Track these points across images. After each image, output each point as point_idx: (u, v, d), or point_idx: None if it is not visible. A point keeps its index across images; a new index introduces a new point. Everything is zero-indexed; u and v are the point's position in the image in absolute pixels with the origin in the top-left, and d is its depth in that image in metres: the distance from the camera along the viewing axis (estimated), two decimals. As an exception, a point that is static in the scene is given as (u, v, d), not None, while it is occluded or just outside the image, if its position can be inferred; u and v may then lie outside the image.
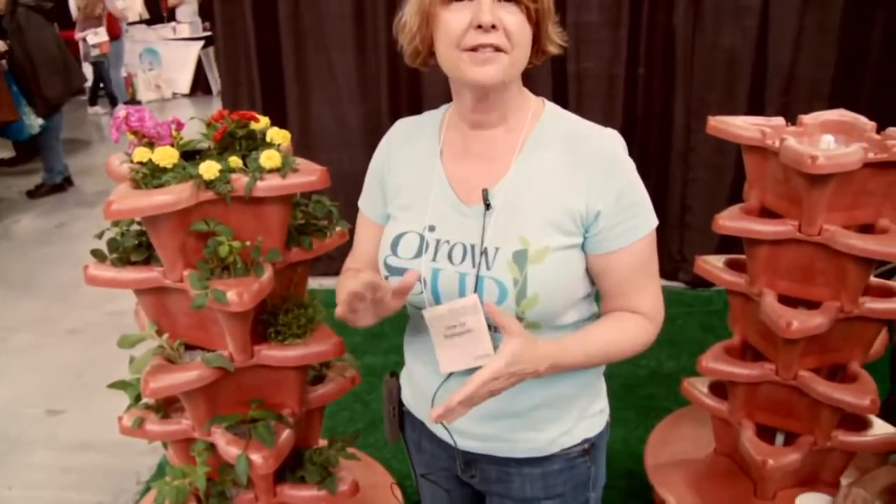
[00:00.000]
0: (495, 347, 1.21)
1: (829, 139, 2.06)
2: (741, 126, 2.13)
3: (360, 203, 1.45)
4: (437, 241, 1.26)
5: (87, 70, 9.91)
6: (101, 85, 9.70)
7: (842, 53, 3.95)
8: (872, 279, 2.17)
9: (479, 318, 1.21)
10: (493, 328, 1.22)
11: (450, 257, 1.24)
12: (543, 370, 1.18)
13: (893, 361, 2.44)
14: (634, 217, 1.23)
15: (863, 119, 2.13)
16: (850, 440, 2.24)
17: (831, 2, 3.88)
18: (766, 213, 2.18)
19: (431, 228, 1.27)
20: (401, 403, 1.48)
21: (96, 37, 9.19)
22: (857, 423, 2.26)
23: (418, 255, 1.27)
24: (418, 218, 1.29)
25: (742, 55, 3.99)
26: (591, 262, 1.25)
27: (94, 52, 9.29)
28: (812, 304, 2.12)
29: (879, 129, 2.09)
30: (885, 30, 3.91)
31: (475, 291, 1.21)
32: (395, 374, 1.50)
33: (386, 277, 1.30)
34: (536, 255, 1.19)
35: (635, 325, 1.28)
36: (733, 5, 3.92)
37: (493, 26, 1.13)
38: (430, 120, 1.37)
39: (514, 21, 1.15)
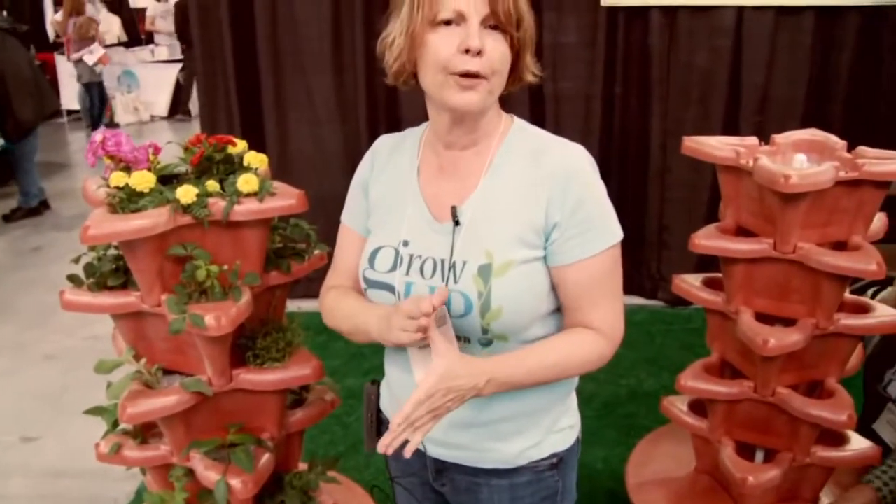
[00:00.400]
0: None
1: (801, 158, 2.09)
2: (715, 146, 2.16)
3: (344, 217, 1.47)
4: (411, 256, 1.30)
5: (72, 94, 9.89)
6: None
7: (813, 73, 4.02)
8: (847, 296, 2.20)
9: (447, 328, 1.24)
10: (463, 339, 1.27)
11: (421, 271, 1.29)
12: (484, 386, 1.19)
13: (867, 376, 2.46)
14: (591, 230, 1.25)
15: (834, 138, 2.16)
16: (828, 455, 2.25)
17: (802, 22, 3.95)
18: (741, 231, 2.20)
19: (406, 243, 1.31)
20: (379, 410, 1.50)
21: (93, 55, 9.17)
22: (836, 438, 2.28)
23: (393, 268, 1.31)
24: (394, 233, 1.33)
25: (716, 75, 4.05)
26: (551, 273, 1.27)
27: (98, 69, 9.25)
28: (788, 322, 2.14)
29: (850, 148, 2.13)
30: (854, 50, 3.98)
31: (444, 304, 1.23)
32: (376, 382, 1.52)
33: (364, 290, 1.36)
34: (500, 269, 1.23)
35: (584, 341, 1.29)
36: (707, 26, 3.98)
37: (479, 52, 1.17)
38: (410, 137, 1.41)
39: (498, 49, 1.19)
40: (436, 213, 1.31)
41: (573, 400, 1.46)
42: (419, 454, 1.40)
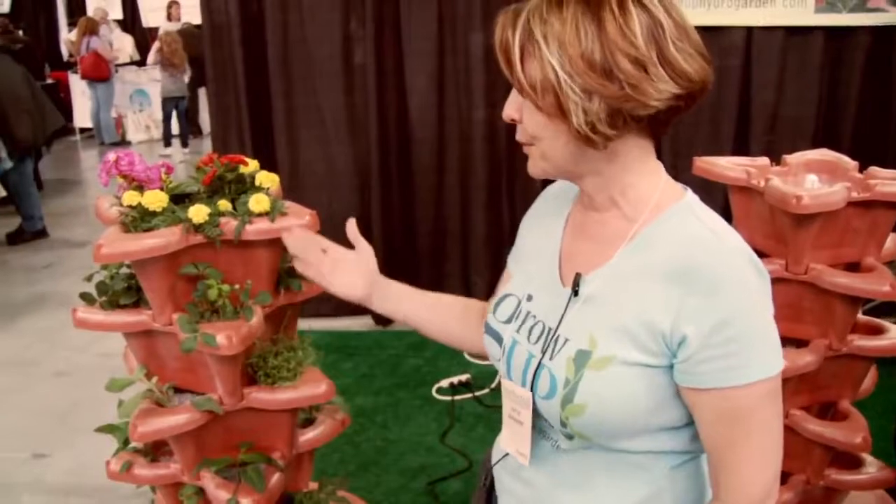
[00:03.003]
0: (551, 443, 1.15)
1: (813, 179, 2.10)
2: (726, 167, 2.16)
3: (508, 259, 1.34)
4: (528, 314, 1.17)
5: (84, 112, 10.00)
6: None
7: (823, 93, 4.03)
8: (860, 317, 2.19)
9: (528, 413, 1.13)
10: (546, 421, 1.13)
11: (529, 333, 1.15)
12: None
13: None
14: (736, 356, 0.99)
15: (845, 158, 2.16)
16: (843, 479, 2.23)
17: (811, 42, 3.96)
18: (753, 252, 2.19)
19: (529, 298, 1.18)
20: (490, 471, 1.34)
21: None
22: (850, 461, 2.26)
23: (510, 320, 1.19)
24: (525, 284, 1.21)
25: (726, 95, 4.05)
26: (682, 393, 1.05)
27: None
28: (801, 343, 2.13)
29: (862, 169, 2.13)
30: (864, 69, 3.99)
31: (533, 378, 1.11)
32: None
33: (483, 334, 1.24)
34: (598, 362, 1.04)
35: None
36: (717, 45, 3.99)
37: (513, 119, 1.07)
38: (571, 189, 1.24)
39: (527, 114, 1.05)
40: (565, 274, 1.16)
41: None
42: None
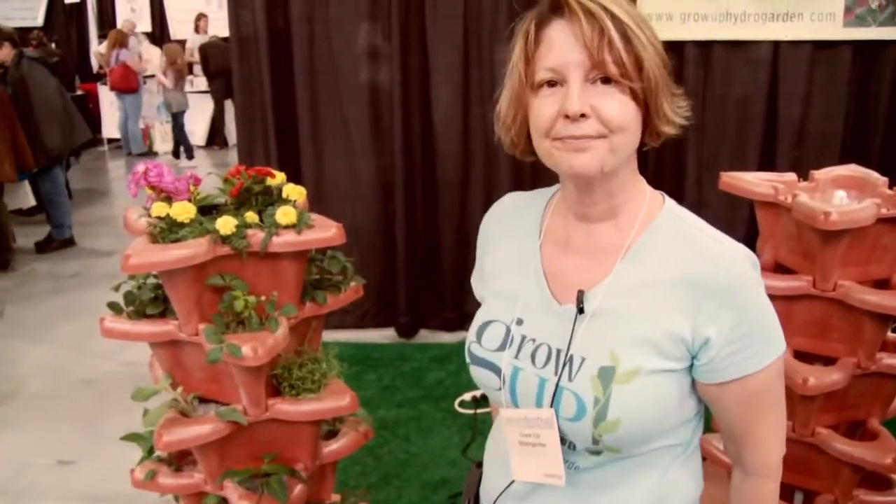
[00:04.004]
0: (568, 465, 1.12)
1: (841, 195, 2.08)
2: (753, 182, 2.15)
3: (472, 281, 1.33)
4: (523, 338, 1.14)
5: (113, 123, 10.18)
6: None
7: (851, 107, 3.99)
8: (890, 334, 2.16)
9: (553, 433, 1.09)
10: (569, 444, 1.11)
11: (533, 358, 1.12)
12: None
13: None
14: (752, 346, 1.05)
15: (875, 174, 2.14)
16: (872, 500, 2.20)
17: (839, 56, 3.93)
18: (779, 268, 2.18)
19: (519, 322, 1.15)
20: (477, 496, 1.33)
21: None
22: (880, 481, 2.23)
23: (502, 348, 1.15)
24: (509, 308, 1.16)
25: (753, 108, 4.03)
26: (702, 390, 1.10)
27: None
28: (828, 360, 2.11)
29: (891, 185, 2.10)
30: (892, 84, 3.95)
31: (552, 402, 1.08)
32: (481, 465, 1.34)
33: (469, 364, 1.20)
34: (625, 376, 1.04)
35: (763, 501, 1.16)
36: (743, 58, 3.97)
37: (584, 114, 1.00)
38: (537, 199, 1.23)
39: (613, 106, 1.00)
40: (557, 292, 1.12)
41: None
42: None
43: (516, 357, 1.13)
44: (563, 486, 1.11)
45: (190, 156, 9.86)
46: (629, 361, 1.04)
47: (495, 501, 1.21)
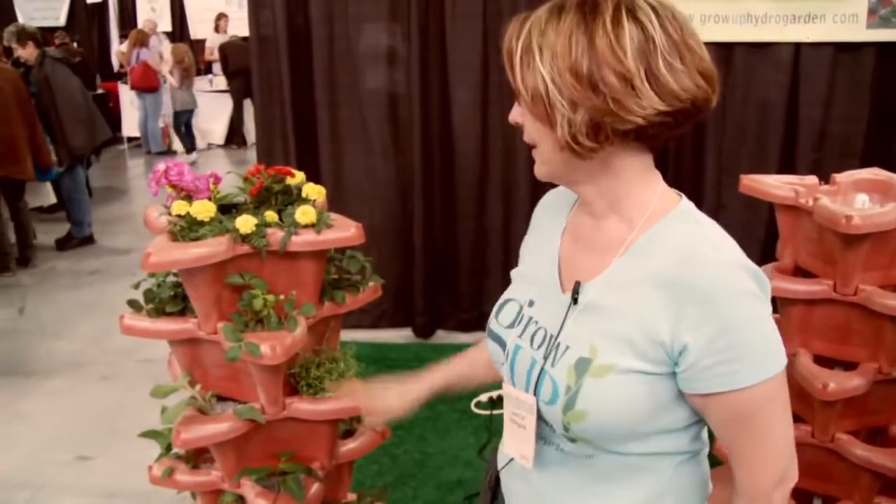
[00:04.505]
0: (555, 447, 1.17)
1: (863, 198, 2.06)
2: (774, 185, 2.13)
3: None
4: (530, 319, 1.20)
5: (133, 122, 10.31)
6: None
7: (873, 110, 3.95)
8: (911, 340, 2.14)
9: (532, 419, 1.15)
10: (550, 426, 1.15)
11: (532, 338, 1.18)
12: None
13: None
14: (736, 361, 1.02)
15: (898, 178, 2.12)
16: (891, 506, 2.18)
17: (862, 58, 3.89)
18: (799, 272, 2.16)
19: (531, 303, 1.21)
20: (497, 478, 1.35)
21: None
22: (899, 488, 2.20)
23: (512, 325, 1.22)
24: (525, 289, 1.23)
25: (773, 111, 4.00)
26: (687, 399, 1.09)
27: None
28: (849, 365, 2.09)
29: (915, 189, 2.08)
30: (917, 87, 3.91)
31: (537, 383, 1.13)
32: None
33: (486, 338, 1.28)
34: (599, 370, 1.06)
35: None
36: (764, 61, 3.94)
37: (517, 123, 1.12)
38: (570, 196, 1.27)
39: (527, 120, 1.09)
40: (565, 281, 1.18)
41: None
42: None
43: (520, 336, 1.19)
44: (530, 467, 1.17)
45: (189, 150, 10.00)
46: (605, 357, 1.06)
47: (497, 474, 1.29)
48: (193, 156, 9.92)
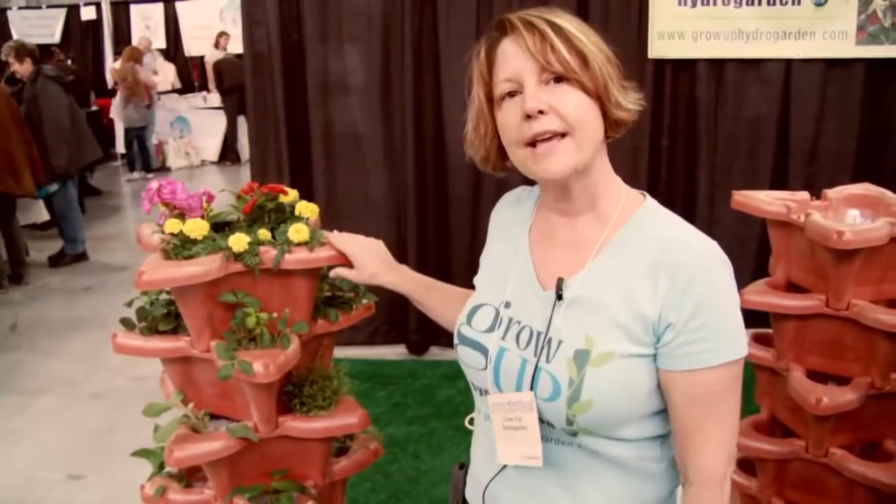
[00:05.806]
0: (553, 441, 1.17)
1: (854, 214, 2.07)
2: (766, 201, 2.14)
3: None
4: (510, 320, 1.21)
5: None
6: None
7: (864, 126, 3.98)
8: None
9: (532, 417, 1.15)
10: (547, 423, 1.16)
11: (517, 339, 1.19)
12: None
13: None
14: (709, 340, 1.09)
15: (889, 193, 2.14)
16: (885, 522, 2.18)
17: (852, 74, 3.93)
18: (792, 287, 2.17)
19: (507, 305, 1.23)
20: (464, 498, 1.38)
21: None
22: (893, 504, 2.20)
23: (491, 329, 1.23)
24: (498, 292, 1.25)
25: (765, 127, 4.03)
26: (660, 376, 1.13)
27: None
28: (842, 380, 2.09)
29: (905, 204, 2.09)
30: (907, 103, 3.94)
31: (532, 382, 1.14)
32: (464, 467, 1.41)
33: (456, 345, 1.28)
34: (599, 359, 1.10)
35: None
36: (755, 78, 3.97)
37: (542, 111, 1.09)
38: (531, 193, 1.33)
39: (568, 101, 1.10)
40: (542, 279, 1.21)
41: None
42: None
43: (503, 338, 1.21)
44: (542, 466, 1.17)
45: (142, 169, 10.03)
46: (603, 345, 1.11)
47: (484, 490, 1.26)
48: (136, 174, 9.93)
